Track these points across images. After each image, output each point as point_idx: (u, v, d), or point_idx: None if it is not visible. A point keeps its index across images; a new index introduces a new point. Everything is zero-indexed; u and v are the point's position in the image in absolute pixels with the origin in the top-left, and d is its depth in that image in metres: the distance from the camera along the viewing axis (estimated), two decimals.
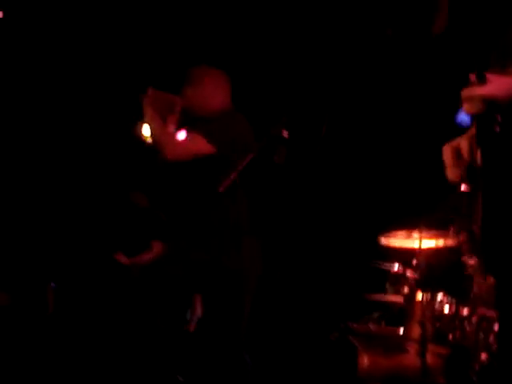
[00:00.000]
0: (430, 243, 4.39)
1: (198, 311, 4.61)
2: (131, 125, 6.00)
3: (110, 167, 5.79)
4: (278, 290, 4.95)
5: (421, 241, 4.28)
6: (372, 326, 4.60)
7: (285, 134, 2.74)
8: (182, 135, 3.87)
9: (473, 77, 1.91)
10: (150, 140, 6.00)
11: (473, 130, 2.14)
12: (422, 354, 4.08)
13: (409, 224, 4.32)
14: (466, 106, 1.95)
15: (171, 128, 3.74)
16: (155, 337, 3.46)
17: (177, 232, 3.94)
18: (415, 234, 4.31)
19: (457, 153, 2.15)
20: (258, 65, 5.35)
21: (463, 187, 2.11)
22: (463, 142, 2.14)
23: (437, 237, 4.35)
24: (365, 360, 4.33)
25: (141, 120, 6.02)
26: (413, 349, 4.30)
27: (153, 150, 6.03)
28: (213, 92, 3.71)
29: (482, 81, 1.89)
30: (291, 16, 5.10)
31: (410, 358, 4.29)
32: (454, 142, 2.19)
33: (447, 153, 2.19)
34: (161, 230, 4.97)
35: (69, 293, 5.21)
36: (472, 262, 4.31)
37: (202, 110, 3.73)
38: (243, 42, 5.40)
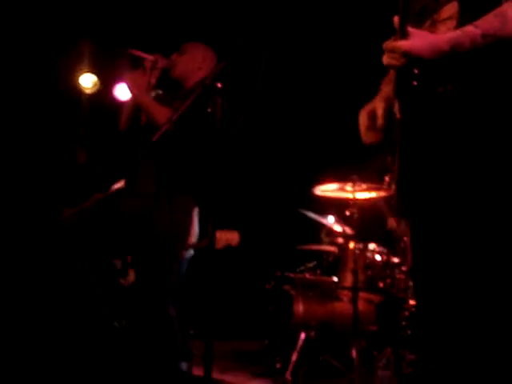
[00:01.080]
0: (363, 195, 4.53)
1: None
2: (70, 77, 5.97)
3: (48, 122, 5.72)
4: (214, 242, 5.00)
5: (354, 192, 4.41)
6: (307, 275, 4.75)
7: (219, 84, 2.76)
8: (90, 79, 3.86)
9: (395, 24, 1.92)
10: (89, 91, 6.00)
11: (385, 90, 2.19)
12: (353, 301, 4.24)
13: (342, 175, 4.43)
14: (386, 58, 1.99)
15: (152, 80, 3.73)
16: (88, 287, 3.51)
17: (114, 184, 3.97)
18: (348, 186, 4.43)
19: (372, 116, 2.20)
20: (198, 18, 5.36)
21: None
22: (378, 104, 2.19)
23: (370, 189, 4.48)
24: (300, 307, 4.46)
25: (81, 71, 6.01)
26: (346, 296, 4.47)
27: (92, 101, 6.02)
28: (200, 66, 3.77)
29: (404, 34, 1.93)
30: None
31: (343, 305, 4.46)
32: (369, 106, 2.24)
33: (362, 117, 2.23)
34: (99, 183, 4.98)
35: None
36: (394, 223, 4.51)
37: (186, 80, 3.78)
38: None
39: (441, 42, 1.91)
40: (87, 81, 5.87)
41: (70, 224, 3.60)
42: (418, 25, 2.02)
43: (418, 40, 1.94)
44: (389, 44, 1.98)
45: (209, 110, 2.85)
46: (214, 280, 2.69)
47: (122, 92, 4.80)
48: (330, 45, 5.49)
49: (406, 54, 1.93)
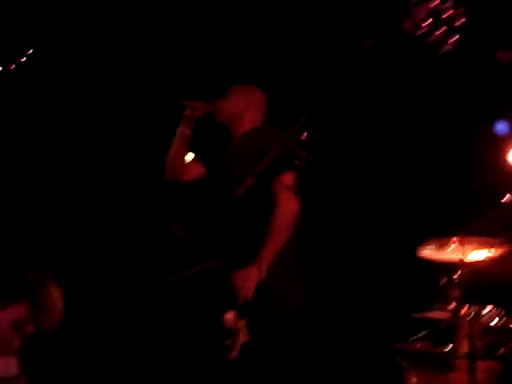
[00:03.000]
0: (474, 255, 4.24)
1: (242, 337, 4.46)
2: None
3: (146, 197, 5.80)
4: (325, 311, 4.83)
5: (464, 253, 4.13)
6: (419, 345, 4.42)
7: (304, 136, 2.65)
8: (189, 157, 3.86)
9: None
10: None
11: None
12: (471, 370, 3.90)
13: (450, 236, 4.17)
14: None
15: (186, 131, 3.68)
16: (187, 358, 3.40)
17: (215, 254, 3.88)
18: (456, 247, 4.16)
19: None
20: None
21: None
22: None
23: (482, 248, 4.19)
24: (413, 379, 4.16)
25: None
26: (462, 366, 4.11)
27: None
28: (245, 109, 3.69)
29: None
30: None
31: (460, 376, 4.08)
32: None
33: None
34: (199, 256, 4.93)
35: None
36: None
37: (233, 126, 3.72)
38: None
39: None
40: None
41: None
42: None
43: None
44: None
45: (296, 162, 2.75)
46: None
47: None
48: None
49: None
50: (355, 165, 5.31)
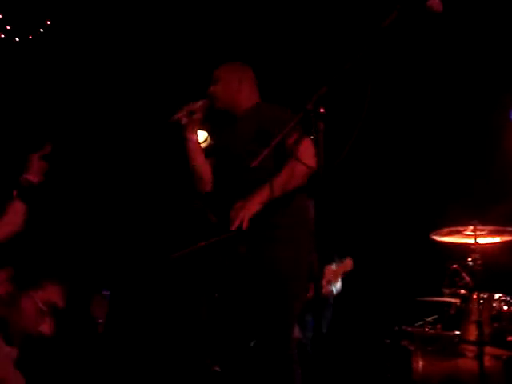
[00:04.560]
0: (485, 240, 4.22)
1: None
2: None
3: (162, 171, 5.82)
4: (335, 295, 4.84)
5: (476, 237, 4.12)
6: (428, 329, 4.41)
7: (322, 109, 2.62)
8: (202, 136, 3.79)
9: None
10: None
11: None
12: (479, 356, 3.88)
13: (463, 221, 4.15)
14: None
15: (194, 137, 3.62)
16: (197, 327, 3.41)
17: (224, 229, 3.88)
18: (469, 231, 4.14)
19: None
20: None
21: None
22: None
23: (493, 233, 4.17)
24: (419, 364, 4.16)
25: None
26: (470, 352, 4.10)
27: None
28: (238, 87, 3.64)
29: None
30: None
31: (467, 361, 4.08)
32: None
33: None
34: (210, 230, 4.94)
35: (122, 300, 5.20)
36: None
37: (230, 107, 3.66)
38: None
39: None
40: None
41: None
42: None
43: None
44: None
45: (312, 136, 2.73)
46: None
47: None
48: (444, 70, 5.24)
49: None
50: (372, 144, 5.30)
